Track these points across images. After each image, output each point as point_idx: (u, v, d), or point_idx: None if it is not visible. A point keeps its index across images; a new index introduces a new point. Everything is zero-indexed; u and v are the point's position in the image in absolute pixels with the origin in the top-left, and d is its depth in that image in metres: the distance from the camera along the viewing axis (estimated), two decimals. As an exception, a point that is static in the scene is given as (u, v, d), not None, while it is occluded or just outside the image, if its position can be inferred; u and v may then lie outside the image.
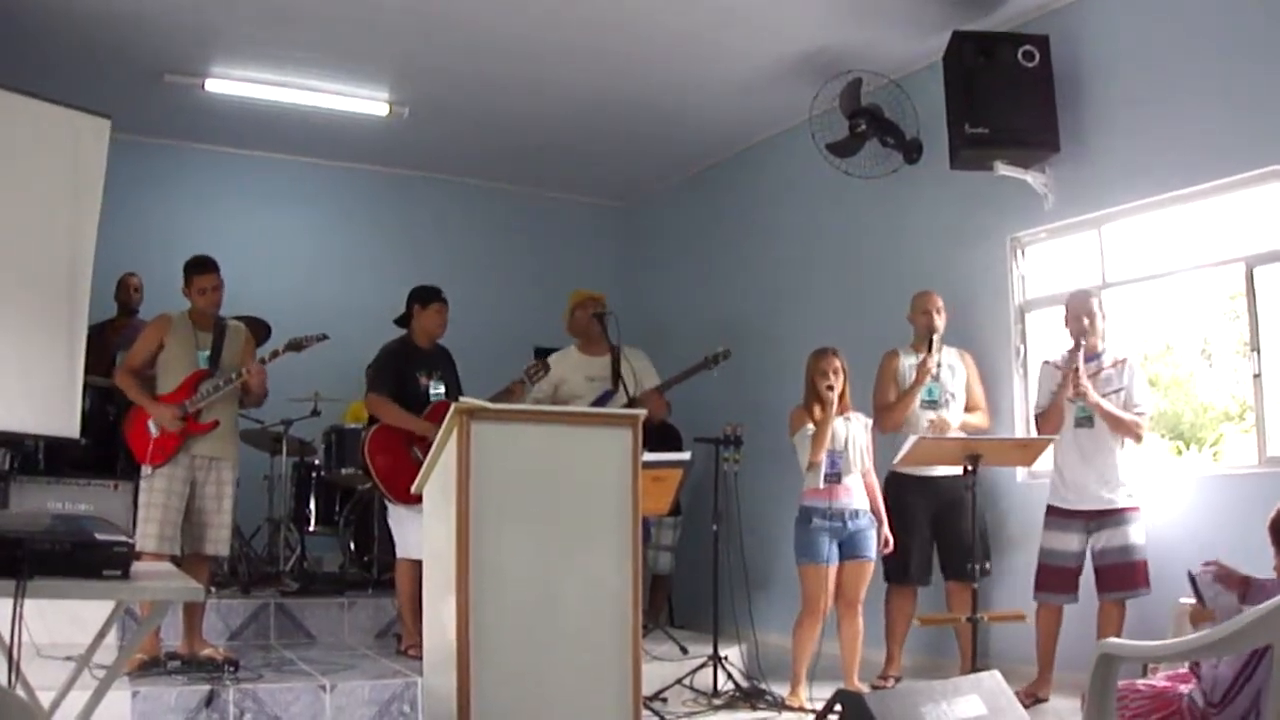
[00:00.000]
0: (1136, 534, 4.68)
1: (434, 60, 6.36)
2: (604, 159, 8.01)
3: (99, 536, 2.64)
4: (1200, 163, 4.83)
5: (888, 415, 5.31)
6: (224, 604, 5.67)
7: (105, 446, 6.06)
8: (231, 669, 4.51)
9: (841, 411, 4.99)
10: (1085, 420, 4.81)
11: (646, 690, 4.23)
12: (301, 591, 6.13)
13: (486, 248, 8.39)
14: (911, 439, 4.89)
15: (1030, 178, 5.46)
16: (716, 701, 4.95)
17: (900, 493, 5.23)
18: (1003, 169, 5.41)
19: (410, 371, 5.41)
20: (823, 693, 4.52)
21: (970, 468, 4.66)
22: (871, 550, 4.97)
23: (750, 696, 4.94)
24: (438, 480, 3.54)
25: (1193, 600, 3.18)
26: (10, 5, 5.56)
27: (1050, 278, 5.68)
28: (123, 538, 2.69)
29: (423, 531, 3.96)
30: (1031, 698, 4.67)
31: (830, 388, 4.91)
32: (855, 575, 4.96)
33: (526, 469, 3.39)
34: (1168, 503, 4.87)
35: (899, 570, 5.26)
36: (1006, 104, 5.28)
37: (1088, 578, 4.76)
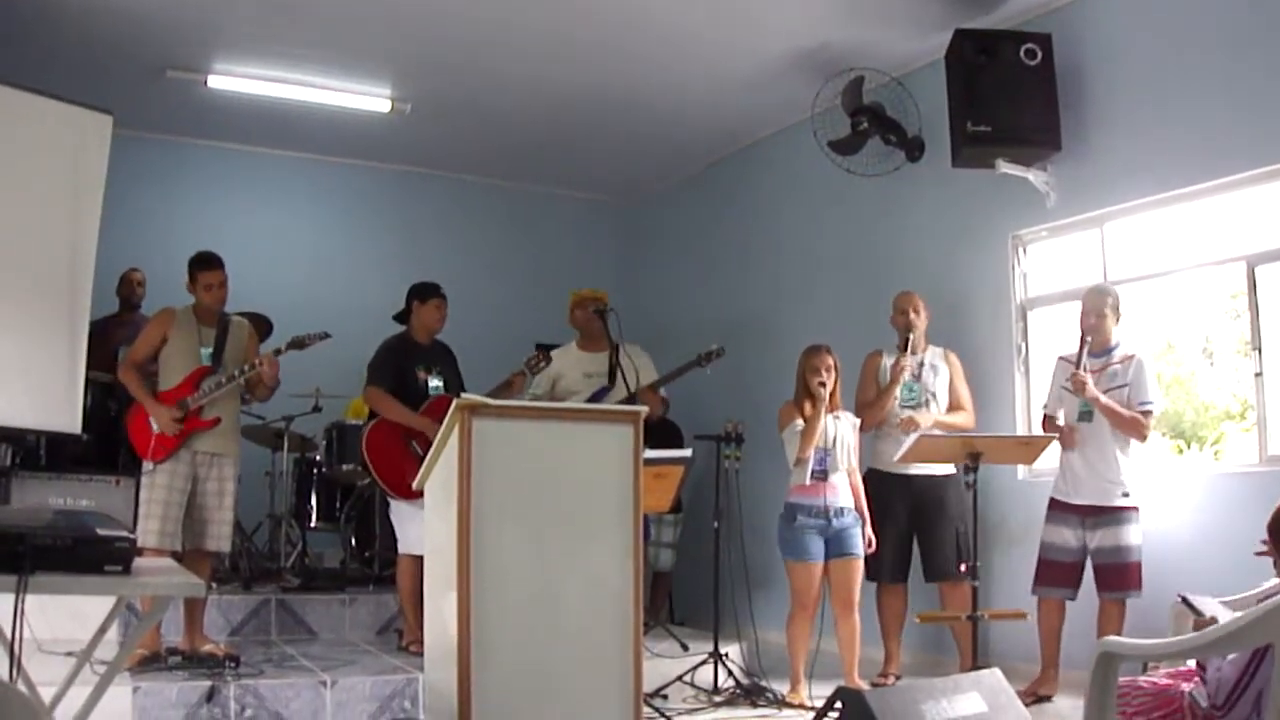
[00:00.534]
0: (1132, 535, 4.66)
1: (436, 57, 6.36)
2: (606, 156, 8.01)
3: (100, 532, 2.64)
4: (1202, 161, 4.83)
5: (868, 413, 5.33)
6: (225, 600, 5.68)
7: (107, 442, 6.07)
8: (232, 665, 4.52)
9: (831, 409, 4.99)
10: (1086, 414, 4.81)
11: (647, 687, 4.23)
12: (303, 587, 6.14)
13: (487, 244, 8.39)
14: (912, 436, 4.90)
15: (1032, 176, 5.46)
16: (717, 699, 4.95)
17: (878, 490, 5.23)
18: (1004, 167, 5.41)
19: (409, 367, 5.41)
20: (823, 690, 4.53)
21: (970, 465, 4.66)
22: (858, 548, 4.98)
23: (751, 694, 4.95)
24: (439, 476, 3.54)
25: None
26: (12, 1, 5.56)
27: (1052, 276, 5.68)
28: (124, 533, 2.69)
29: (424, 527, 3.97)
30: (1033, 696, 4.65)
31: (823, 384, 4.92)
32: (845, 574, 4.96)
33: (528, 465, 3.39)
34: (1169, 502, 4.87)
35: (874, 568, 5.24)
36: (1008, 102, 5.28)
37: (1090, 575, 4.75)
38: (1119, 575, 4.62)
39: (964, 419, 5.40)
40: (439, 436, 3.48)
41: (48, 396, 5.32)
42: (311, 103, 6.90)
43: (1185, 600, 3.13)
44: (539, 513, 3.38)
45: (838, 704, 3.67)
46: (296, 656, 5.08)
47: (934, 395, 5.36)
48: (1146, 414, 4.74)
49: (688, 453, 4.88)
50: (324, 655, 5.13)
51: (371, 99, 6.93)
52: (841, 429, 5.01)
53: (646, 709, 4.21)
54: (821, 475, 4.92)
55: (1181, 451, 5.49)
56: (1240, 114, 4.69)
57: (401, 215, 8.24)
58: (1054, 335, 5.42)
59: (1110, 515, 4.69)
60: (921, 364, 5.36)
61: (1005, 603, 5.23)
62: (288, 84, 6.70)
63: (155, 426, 4.77)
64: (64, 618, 4.33)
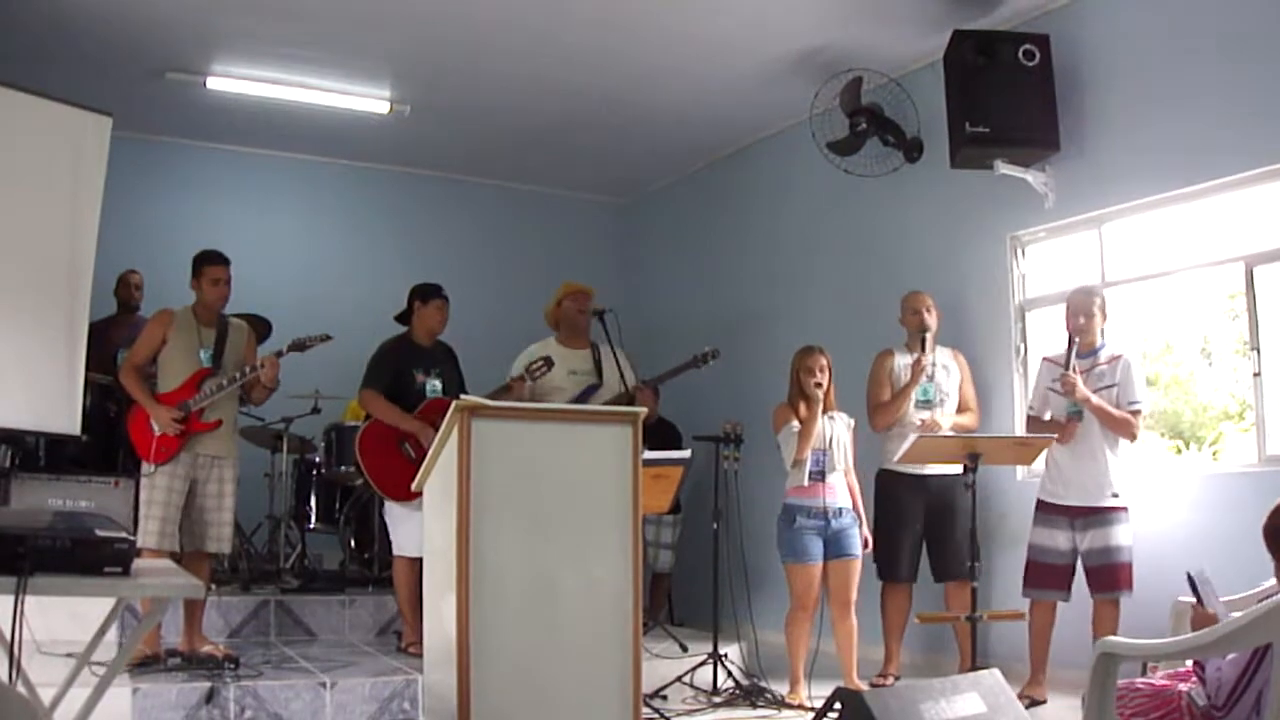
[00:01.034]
0: (1121, 535, 4.65)
1: (434, 58, 6.36)
2: (604, 156, 8.01)
3: (100, 533, 2.64)
4: (1200, 162, 4.83)
5: (882, 414, 5.32)
6: (224, 601, 5.67)
7: (106, 443, 6.07)
8: (232, 666, 4.52)
9: (825, 410, 5.00)
10: (1075, 415, 4.80)
11: (646, 688, 4.23)
12: (302, 589, 6.14)
13: (486, 244, 8.39)
14: (911, 438, 4.89)
15: (1030, 176, 5.46)
16: (716, 699, 4.95)
17: (893, 490, 5.23)
18: (1003, 168, 5.41)
19: (407, 368, 5.40)
20: (822, 691, 4.53)
21: (970, 466, 4.66)
22: (856, 548, 4.98)
23: (750, 694, 4.95)
24: (438, 478, 3.54)
25: (1192, 600, 3.18)
26: (12, 2, 5.56)
27: (1050, 277, 5.68)
28: (123, 534, 2.69)
29: (423, 529, 3.97)
30: (1027, 700, 4.58)
31: (818, 385, 4.93)
32: (843, 574, 4.96)
33: (527, 467, 3.40)
34: (1167, 502, 4.87)
35: (889, 567, 5.26)
36: (1007, 103, 5.28)
37: (1081, 575, 4.74)
38: (1110, 575, 4.61)
39: (971, 420, 5.41)
40: (438, 437, 3.48)
41: (47, 398, 5.32)
42: (310, 104, 6.90)
43: (1190, 579, 3.11)
44: (538, 514, 3.38)
45: (837, 704, 3.67)
46: (296, 658, 5.08)
47: (947, 395, 5.37)
48: (1136, 413, 4.75)
49: (686, 453, 4.88)
50: (323, 656, 5.13)
51: (370, 100, 6.93)
52: (837, 429, 5.02)
53: (646, 710, 4.21)
54: (819, 476, 4.93)
55: (1180, 452, 5.49)
56: (1238, 114, 4.69)
57: (400, 216, 8.24)
58: (1052, 336, 5.42)
59: (1100, 516, 4.68)
60: (934, 364, 5.36)
61: (1004, 603, 5.23)
62: (286, 85, 6.70)
63: (156, 428, 4.77)
64: (63, 619, 4.33)
